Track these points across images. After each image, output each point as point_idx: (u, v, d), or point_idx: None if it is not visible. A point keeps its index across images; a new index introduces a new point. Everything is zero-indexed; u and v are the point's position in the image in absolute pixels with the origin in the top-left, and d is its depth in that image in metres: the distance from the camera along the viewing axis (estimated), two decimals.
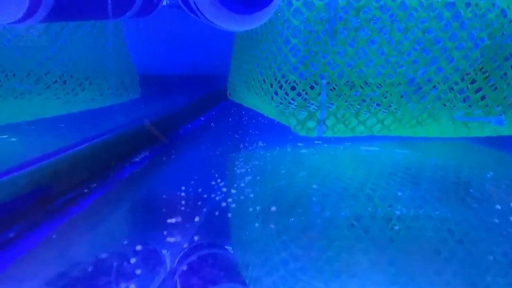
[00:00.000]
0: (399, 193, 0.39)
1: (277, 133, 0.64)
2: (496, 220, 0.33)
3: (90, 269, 0.24)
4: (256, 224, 0.31)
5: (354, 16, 0.46)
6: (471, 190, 0.42)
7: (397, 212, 0.34)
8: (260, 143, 0.59)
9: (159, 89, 0.99)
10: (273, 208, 0.34)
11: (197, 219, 0.31)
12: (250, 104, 0.72)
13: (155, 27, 0.98)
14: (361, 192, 0.40)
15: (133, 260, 0.25)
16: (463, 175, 0.49)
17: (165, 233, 0.28)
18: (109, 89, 0.79)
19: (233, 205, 0.35)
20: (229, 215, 0.33)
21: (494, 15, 0.47)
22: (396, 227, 0.31)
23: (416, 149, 0.56)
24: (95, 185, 0.36)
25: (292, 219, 0.32)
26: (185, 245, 0.27)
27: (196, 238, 0.28)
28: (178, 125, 0.68)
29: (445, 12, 0.46)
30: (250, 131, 0.71)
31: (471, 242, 0.30)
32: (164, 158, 0.49)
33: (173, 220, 0.30)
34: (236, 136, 0.65)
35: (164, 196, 0.36)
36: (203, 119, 0.79)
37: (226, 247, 0.28)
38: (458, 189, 0.42)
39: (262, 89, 0.59)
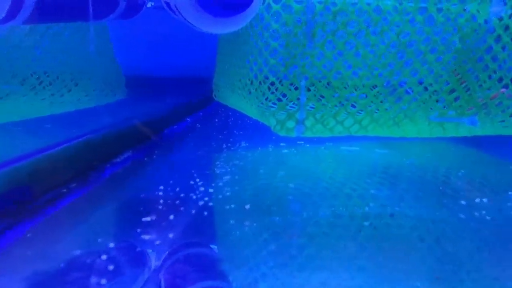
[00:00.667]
0: (378, 192, 0.40)
1: (261, 133, 0.65)
2: (470, 217, 0.34)
3: (67, 268, 0.24)
4: (235, 223, 0.32)
5: (331, 20, 0.47)
6: (447, 189, 0.43)
7: (376, 211, 0.35)
8: (243, 144, 0.60)
9: (146, 90, 1.00)
10: (253, 207, 0.35)
11: (171, 217, 0.32)
12: (234, 105, 0.73)
13: (141, 28, 0.99)
14: (341, 191, 0.41)
15: (106, 258, 0.25)
16: (440, 174, 0.50)
17: (139, 230, 0.29)
18: (95, 90, 0.80)
19: (210, 204, 0.35)
20: (206, 214, 0.34)
21: (464, 20, 0.49)
22: (375, 225, 0.32)
23: (396, 149, 0.57)
24: (74, 185, 0.37)
25: (272, 217, 0.33)
26: (158, 242, 0.28)
27: (171, 235, 0.29)
28: (163, 126, 0.69)
29: (418, 16, 0.48)
30: (235, 131, 0.72)
31: (447, 239, 0.31)
32: (146, 159, 0.50)
33: (148, 219, 0.31)
34: (220, 136, 0.66)
35: (142, 196, 0.37)
36: (189, 120, 0.80)
37: (205, 246, 0.29)
38: (435, 188, 0.43)
39: (244, 90, 0.60)
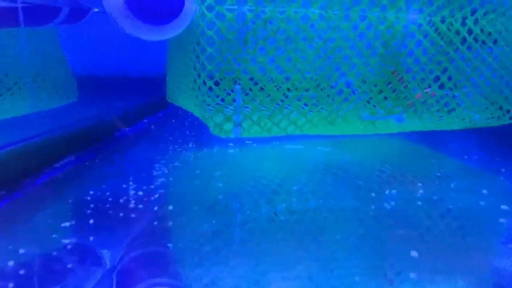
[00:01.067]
0: (317, 188, 0.42)
1: (212, 134, 0.66)
2: (404, 207, 0.37)
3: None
4: (159, 224, 0.34)
5: (262, 27, 0.50)
6: (381, 182, 0.46)
7: (314, 205, 0.37)
8: (190, 145, 0.62)
9: (102, 91, 0.99)
10: (183, 208, 0.36)
11: (91, 221, 0.34)
12: (185, 106, 0.75)
13: (95, 29, 0.98)
14: (282, 188, 0.43)
15: (13, 264, 0.27)
16: (375, 169, 0.53)
17: (55, 236, 0.31)
18: (46, 93, 0.80)
19: (140, 207, 0.37)
20: (133, 216, 0.35)
21: (385, 27, 0.53)
22: (313, 219, 0.34)
23: (340, 147, 0.60)
24: (3, 192, 0.38)
25: (211, 216, 0.34)
26: (70, 247, 0.30)
27: (91, 238, 0.31)
28: (113, 129, 0.69)
29: (343, 23, 0.51)
30: (187, 132, 0.73)
31: (379, 229, 0.33)
32: (87, 163, 0.51)
33: (67, 224, 0.33)
34: (170, 138, 0.67)
35: (70, 201, 0.39)
36: (146, 121, 0.80)
37: (149, 247, 0.30)
38: (370, 182, 0.46)
39: (188, 93, 0.62)
